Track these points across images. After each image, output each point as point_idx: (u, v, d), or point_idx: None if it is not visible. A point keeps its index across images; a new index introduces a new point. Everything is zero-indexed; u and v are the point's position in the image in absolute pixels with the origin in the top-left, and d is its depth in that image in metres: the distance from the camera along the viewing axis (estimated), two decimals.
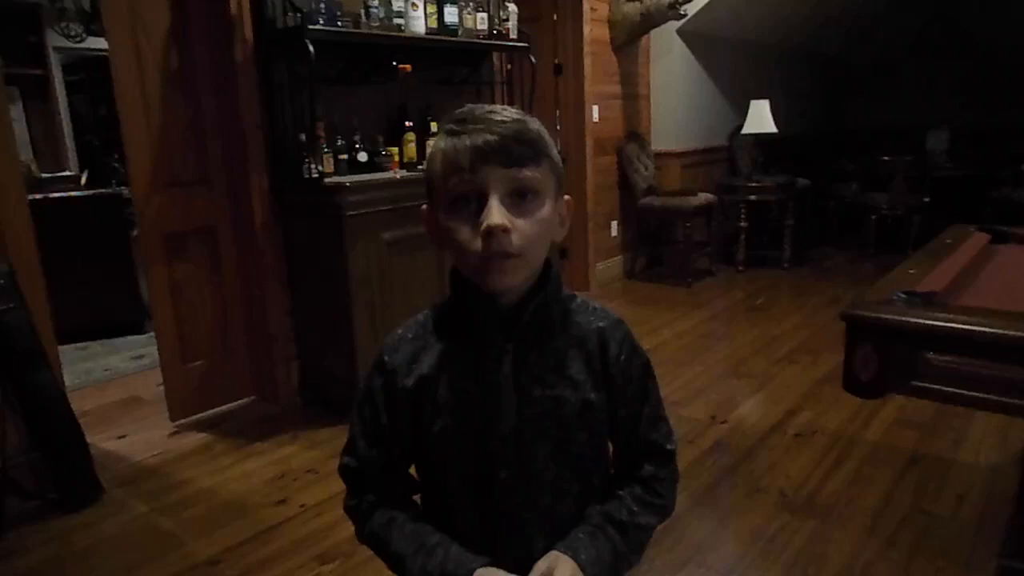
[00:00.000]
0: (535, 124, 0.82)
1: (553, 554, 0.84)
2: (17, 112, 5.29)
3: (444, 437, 0.87)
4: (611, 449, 0.96)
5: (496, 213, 0.77)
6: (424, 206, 0.87)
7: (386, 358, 0.90)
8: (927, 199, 5.47)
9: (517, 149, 0.78)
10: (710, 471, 2.42)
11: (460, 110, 0.82)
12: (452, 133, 0.80)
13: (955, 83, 6.93)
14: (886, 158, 5.57)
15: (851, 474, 2.36)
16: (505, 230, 0.77)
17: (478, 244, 0.78)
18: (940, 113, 6.77)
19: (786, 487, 2.29)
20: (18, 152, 2.50)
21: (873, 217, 5.68)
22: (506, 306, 0.84)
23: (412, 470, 0.97)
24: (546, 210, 0.82)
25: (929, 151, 6.36)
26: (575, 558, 0.83)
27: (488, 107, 0.82)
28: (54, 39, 5.69)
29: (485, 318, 0.85)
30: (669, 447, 0.95)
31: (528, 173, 0.79)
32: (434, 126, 3.29)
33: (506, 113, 0.81)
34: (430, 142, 3.37)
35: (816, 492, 2.26)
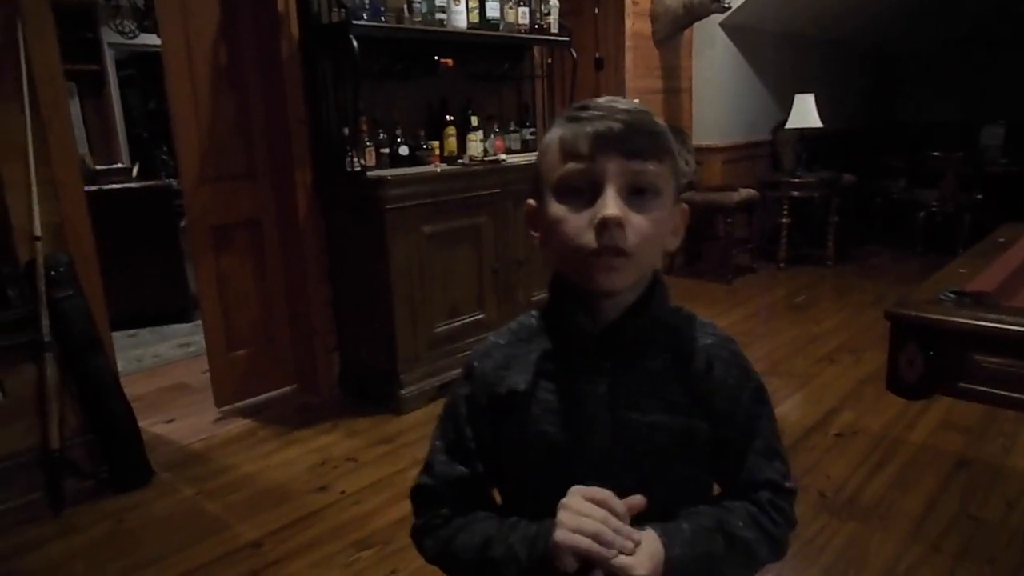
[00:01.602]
0: (659, 119, 0.78)
1: (650, 533, 0.74)
2: (74, 107, 5.48)
3: (527, 455, 0.80)
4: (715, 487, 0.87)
5: (612, 204, 0.71)
6: (530, 201, 0.81)
7: (476, 363, 0.84)
8: (979, 196, 5.30)
9: (640, 140, 0.73)
10: None
11: (579, 102, 0.78)
12: (572, 120, 0.75)
13: (1011, 75, 6.66)
14: (936, 154, 5.41)
15: (894, 476, 2.32)
16: (620, 224, 0.71)
17: (588, 237, 0.72)
18: (994, 107, 6.53)
19: (826, 488, 2.26)
20: (77, 146, 2.59)
21: (921, 214, 5.52)
22: (607, 319, 0.78)
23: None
24: (665, 211, 0.76)
25: (983, 146, 6.15)
26: (667, 549, 0.73)
27: (610, 97, 0.77)
28: (109, 36, 5.88)
29: (584, 331, 0.79)
30: (788, 485, 0.84)
31: (650, 167, 0.74)
32: (475, 120, 3.31)
33: (631, 103, 0.76)
34: (472, 136, 3.37)
35: (857, 494, 2.22)
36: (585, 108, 0.75)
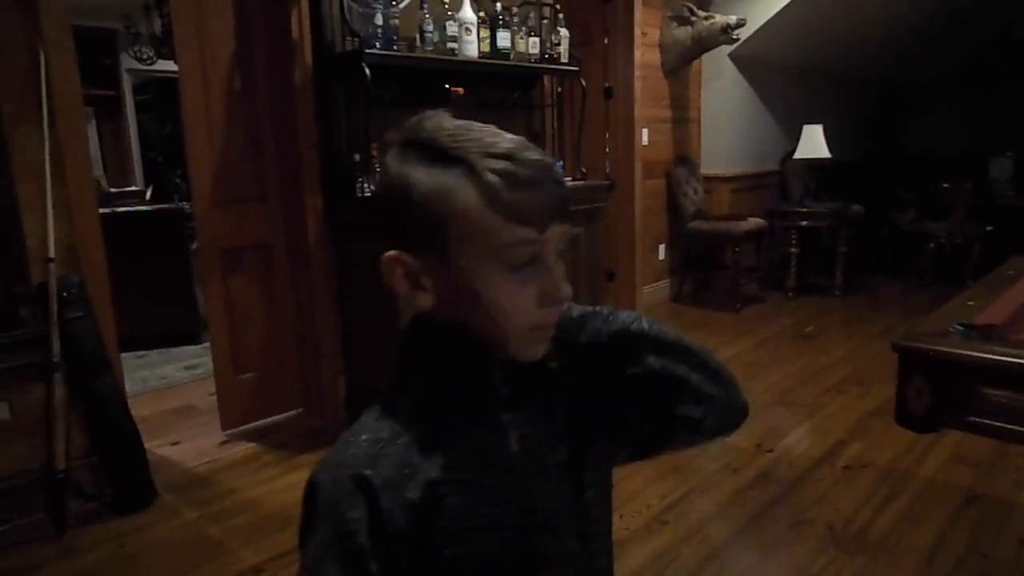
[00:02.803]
0: None
1: None
2: (91, 131, 5.57)
3: (484, 543, 0.66)
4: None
5: (565, 282, 0.66)
6: (397, 254, 0.69)
7: (367, 473, 0.63)
8: (989, 228, 5.29)
9: (566, 200, 0.66)
10: (755, 501, 2.37)
11: (479, 133, 0.64)
12: (507, 175, 0.61)
13: (1019, 107, 6.69)
14: (946, 185, 5.42)
15: (903, 510, 2.29)
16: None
17: (540, 314, 0.65)
18: (1003, 139, 6.54)
19: (834, 521, 2.23)
20: (92, 170, 2.63)
21: (930, 246, 5.51)
22: (504, 373, 0.70)
23: None
24: None
25: (992, 179, 6.15)
26: None
27: (510, 136, 0.65)
28: (127, 62, 6.01)
29: (494, 392, 0.69)
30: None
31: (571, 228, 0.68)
32: None
33: (536, 150, 0.65)
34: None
35: (866, 528, 2.19)
36: (511, 158, 0.62)
